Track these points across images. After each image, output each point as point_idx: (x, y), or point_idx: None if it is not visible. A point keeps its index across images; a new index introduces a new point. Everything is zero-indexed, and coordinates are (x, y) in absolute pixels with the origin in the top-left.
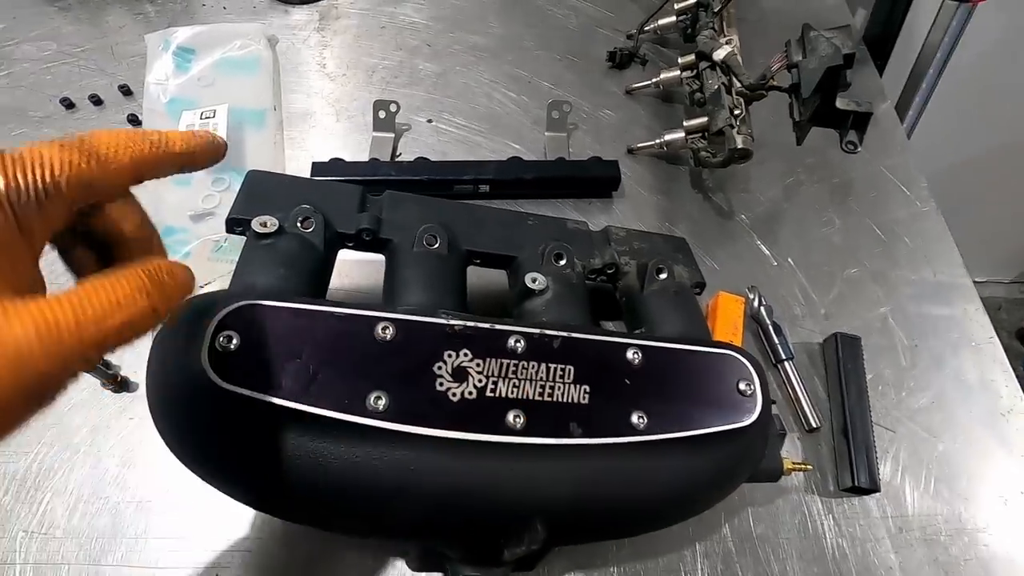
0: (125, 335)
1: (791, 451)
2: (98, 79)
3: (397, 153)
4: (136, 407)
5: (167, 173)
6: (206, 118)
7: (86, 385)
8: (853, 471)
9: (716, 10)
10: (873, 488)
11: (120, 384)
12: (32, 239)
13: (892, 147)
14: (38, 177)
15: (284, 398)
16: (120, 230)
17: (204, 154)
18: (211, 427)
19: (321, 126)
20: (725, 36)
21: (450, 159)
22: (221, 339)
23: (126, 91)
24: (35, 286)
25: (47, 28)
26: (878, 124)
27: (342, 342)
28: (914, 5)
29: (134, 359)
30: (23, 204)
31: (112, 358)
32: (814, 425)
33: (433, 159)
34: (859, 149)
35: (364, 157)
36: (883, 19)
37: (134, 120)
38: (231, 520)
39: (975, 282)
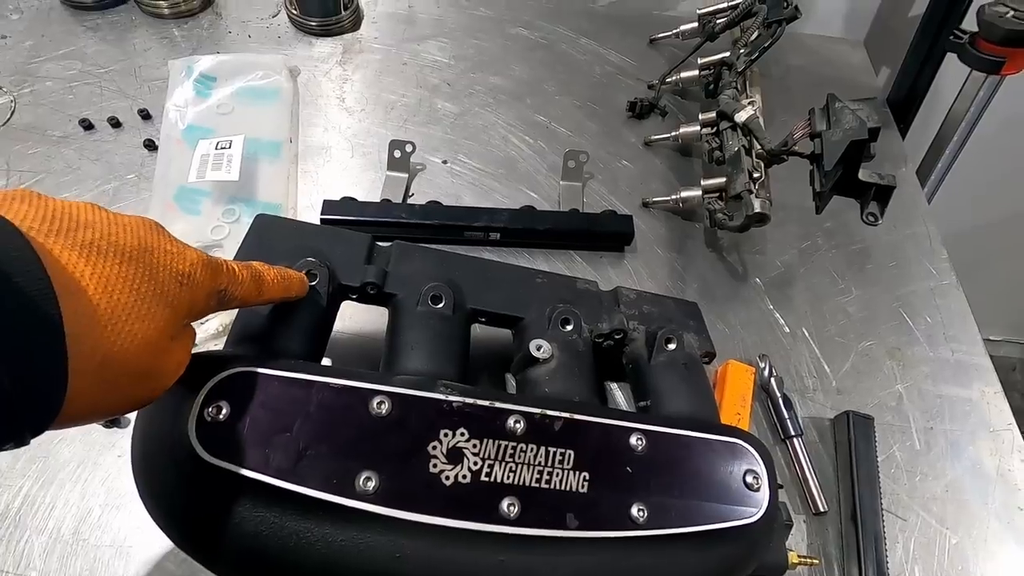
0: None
1: (797, 535)
2: (119, 101)
3: (410, 194)
4: (125, 444)
5: (279, 301)
6: (222, 148)
7: None
8: (861, 563)
9: (740, 70)
10: None
11: (111, 420)
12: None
13: (913, 215)
14: (235, 291)
15: (270, 475)
16: None
17: (302, 292)
18: (192, 500)
19: (336, 161)
20: (748, 97)
21: (463, 202)
22: (211, 409)
23: (145, 115)
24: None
25: (73, 47)
26: (899, 190)
27: (335, 416)
28: (940, 69)
29: None
30: (220, 299)
31: None
32: (822, 509)
33: (446, 201)
34: (880, 221)
35: (377, 195)
36: (909, 84)
37: (150, 145)
38: None
39: (989, 340)
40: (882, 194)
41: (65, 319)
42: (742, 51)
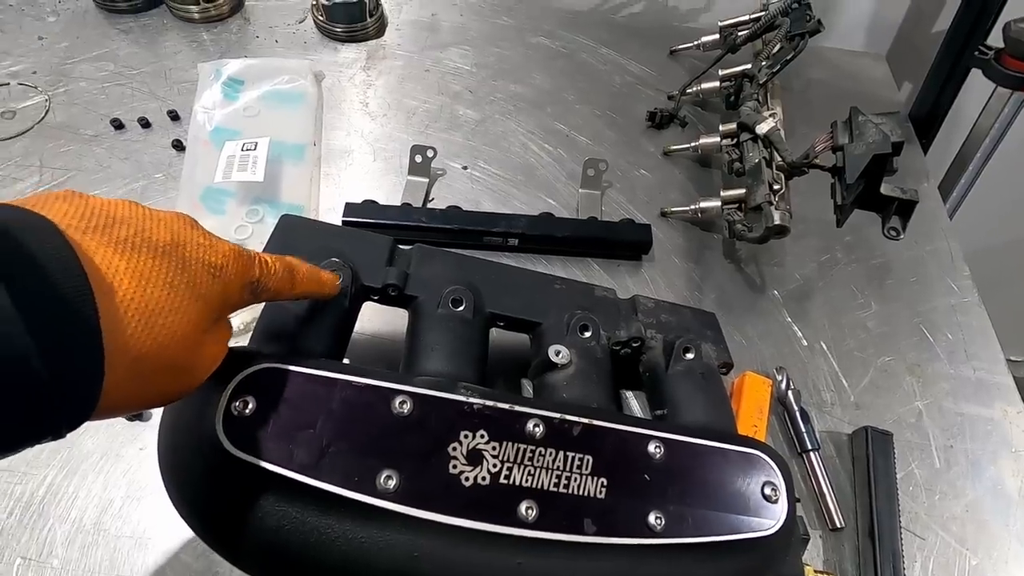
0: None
1: (812, 550)
2: (149, 102)
3: (430, 198)
4: (147, 437)
5: (311, 299)
6: (247, 150)
7: None
8: None
9: (762, 82)
10: None
11: (135, 413)
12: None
13: (935, 230)
14: (268, 282)
15: (294, 470)
16: None
17: (334, 291)
18: (217, 492)
19: (358, 165)
20: (769, 109)
21: (482, 208)
22: (237, 404)
23: (174, 116)
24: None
25: (107, 49)
26: (921, 206)
27: (358, 414)
28: (964, 85)
29: None
30: (253, 291)
31: None
32: (839, 525)
33: (465, 207)
34: (902, 236)
35: (398, 199)
36: (932, 99)
37: (178, 145)
38: (230, 571)
39: (1011, 360)
40: (904, 209)
41: (100, 314)
42: (764, 63)
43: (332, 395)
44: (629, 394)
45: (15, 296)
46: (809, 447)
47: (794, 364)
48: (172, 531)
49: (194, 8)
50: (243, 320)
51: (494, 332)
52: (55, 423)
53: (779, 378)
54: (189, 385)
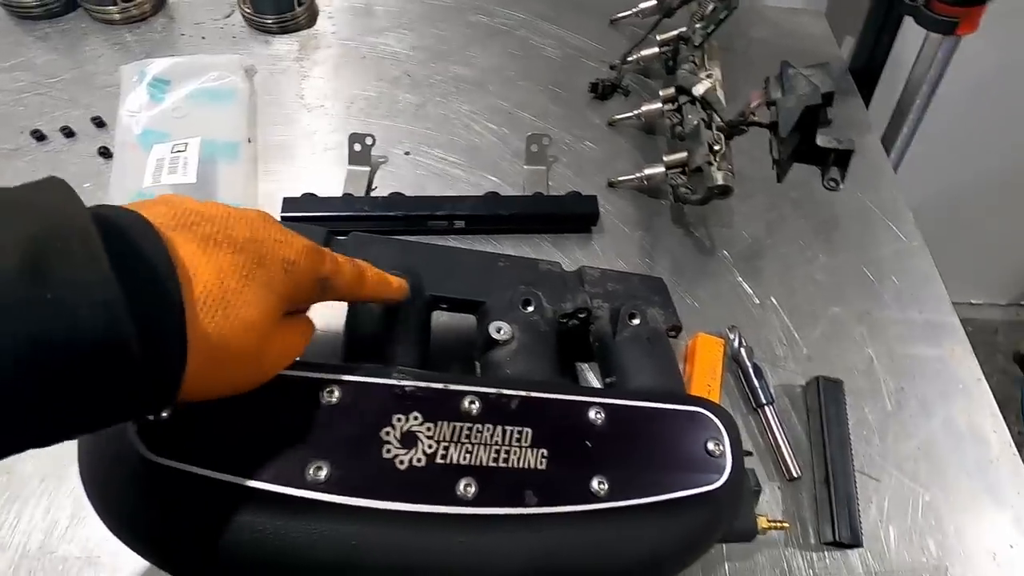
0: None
1: (771, 501)
2: (71, 110)
3: (373, 187)
4: None
5: (377, 302)
6: (177, 151)
7: None
8: (834, 525)
9: (697, 44)
10: (855, 543)
11: None
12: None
13: (879, 181)
14: (337, 280)
15: (217, 470)
16: None
17: (401, 295)
18: (141, 502)
19: (298, 159)
20: (706, 70)
21: (427, 193)
22: None
23: (99, 123)
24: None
25: (22, 58)
26: (865, 157)
27: (283, 408)
28: (900, 37)
29: None
30: (323, 288)
31: None
32: (795, 475)
33: (410, 193)
34: (841, 186)
35: (340, 191)
36: (869, 50)
37: (105, 153)
38: None
39: (970, 304)
40: (842, 159)
41: (185, 304)
42: (698, 25)
43: (256, 391)
44: (585, 367)
45: (125, 287)
46: (763, 401)
47: (747, 322)
48: (121, 549)
49: (113, 9)
50: None
51: (447, 317)
52: (145, 404)
53: (732, 337)
54: (260, 376)
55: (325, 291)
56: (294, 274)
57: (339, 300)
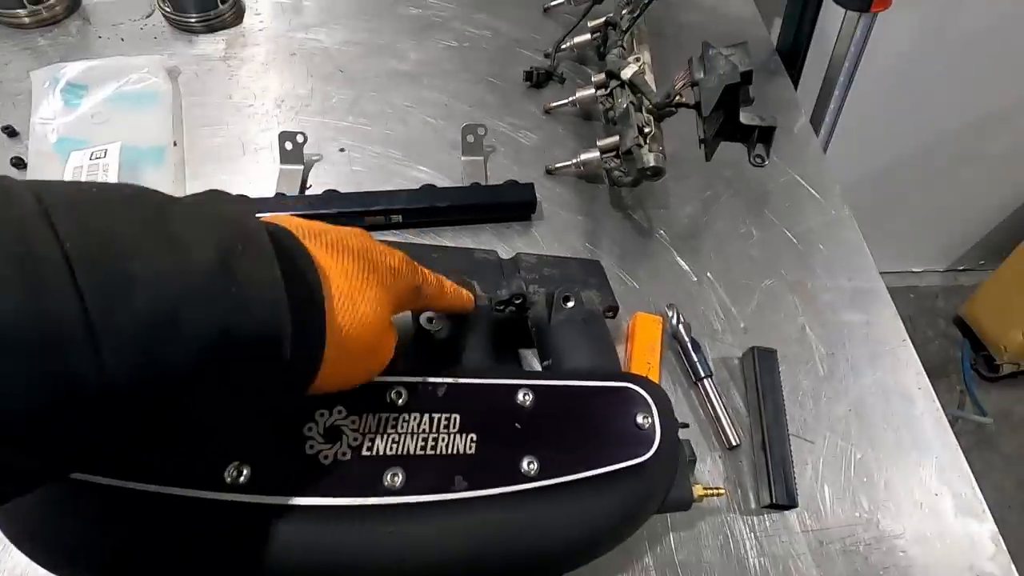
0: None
1: (713, 471)
2: None
3: (307, 185)
4: None
5: (451, 313)
6: (96, 158)
7: None
8: (771, 488)
9: (624, 28)
10: (791, 504)
11: None
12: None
13: (807, 157)
14: (427, 289)
15: (132, 480)
16: None
17: (469, 308)
18: (53, 520)
19: (228, 161)
20: (634, 54)
21: (364, 189)
22: None
23: (11, 132)
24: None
25: None
26: (793, 135)
27: None
28: (822, 16)
29: None
30: (416, 295)
31: None
32: (734, 443)
33: (346, 189)
34: (767, 162)
35: (273, 192)
36: (793, 31)
37: (19, 163)
38: None
39: (912, 272)
40: (765, 135)
41: (324, 300)
42: (625, 10)
43: None
44: (528, 353)
45: (287, 285)
46: (702, 375)
47: (685, 299)
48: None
49: (22, 12)
50: None
51: None
52: (288, 390)
53: (670, 314)
54: (375, 368)
55: (418, 298)
56: (399, 279)
57: (426, 308)
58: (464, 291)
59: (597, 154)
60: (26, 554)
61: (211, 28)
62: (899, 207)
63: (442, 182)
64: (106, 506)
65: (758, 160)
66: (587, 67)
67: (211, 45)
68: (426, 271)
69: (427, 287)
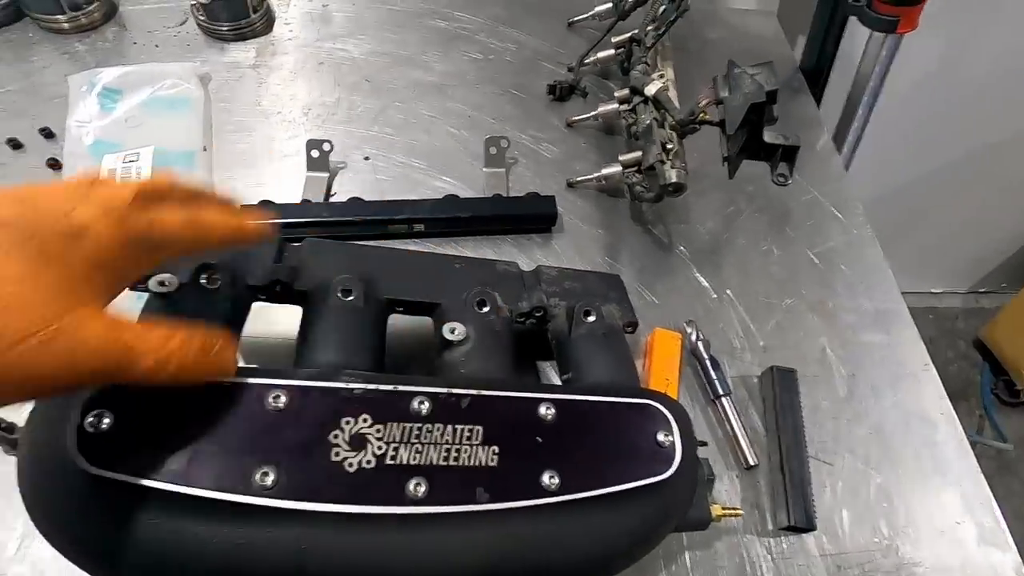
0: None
1: (730, 490)
2: (18, 122)
3: (332, 192)
4: None
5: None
6: (129, 161)
7: None
8: (788, 510)
9: (649, 45)
10: (809, 527)
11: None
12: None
13: (829, 176)
14: (162, 238)
15: (161, 480)
16: None
17: (265, 237)
18: (83, 516)
19: (256, 166)
20: (658, 71)
21: (387, 197)
22: (91, 419)
23: (48, 134)
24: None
25: None
26: (816, 153)
27: (228, 414)
28: (848, 36)
29: None
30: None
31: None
32: (752, 463)
33: (369, 198)
34: (789, 181)
35: (299, 198)
36: (817, 50)
37: (54, 164)
38: None
39: (932, 293)
40: (788, 154)
41: None
42: (650, 27)
43: (199, 398)
44: (547, 365)
45: None
46: (720, 393)
47: (704, 316)
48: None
49: (62, 18)
50: None
51: (405, 321)
52: None
53: (689, 331)
54: (55, 358)
55: (148, 251)
56: (85, 242)
57: (184, 253)
58: (246, 221)
59: (619, 169)
60: (54, 546)
61: (242, 36)
62: (919, 227)
63: (464, 193)
64: (134, 504)
65: (781, 179)
66: (610, 82)
67: (242, 53)
68: (160, 218)
69: (160, 234)
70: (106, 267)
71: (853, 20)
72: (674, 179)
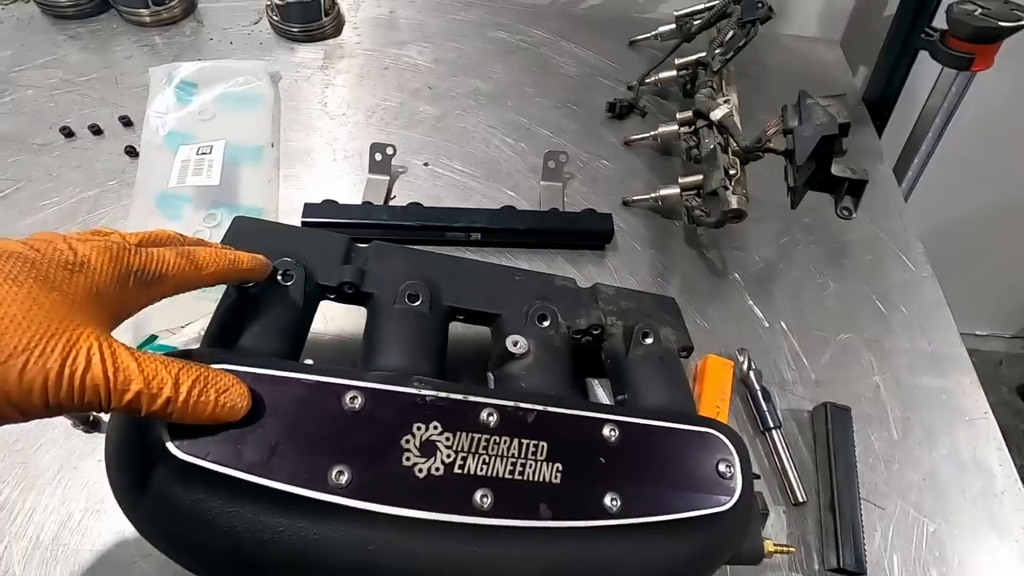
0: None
1: (776, 525)
2: (100, 109)
3: (391, 196)
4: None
5: (233, 282)
6: (202, 153)
7: (58, 423)
8: (839, 551)
9: (715, 69)
10: (859, 571)
11: (91, 424)
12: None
13: (890, 210)
14: (158, 270)
15: (243, 470)
16: None
17: (260, 272)
18: (167, 497)
19: (318, 165)
20: (724, 95)
21: (444, 204)
22: None
23: (127, 122)
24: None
25: (54, 56)
26: (876, 186)
27: (307, 412)
28: (914, 69)
29: None
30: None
31: None
32: (800, 499)
33: (427, 203)
34: (854, 215)
35: (358, 199)
36: (883, 82)
37: (131, 152)
38: None
39: (974, 335)
40: (855, 188)
41: None
42: (717, 51)
43: (281, 393)
44: (595, 382)
45: None
46: (771, 425)
47: (756, 345)
48: (133, 542)
49: (144, 12)
50: (202, 327)
51: (460, 327)
52: None
53: (741, 359)
54: (58, 378)
55: (145, 285)
56: (82, 276)
57: (181, 289)
58: (241, 254)
59: (677, 190)
60: (129, 518)
61: (312, 39)
62: (968, 266)
63: (519, 204)
64: (213, 489)
65: (845, 213)
66: (668, 102)
67: (310, 54)
68: (156, 251)
69: (156, 266)
70: (104, 298)
71: (922, 53)
72: (735, 205)
